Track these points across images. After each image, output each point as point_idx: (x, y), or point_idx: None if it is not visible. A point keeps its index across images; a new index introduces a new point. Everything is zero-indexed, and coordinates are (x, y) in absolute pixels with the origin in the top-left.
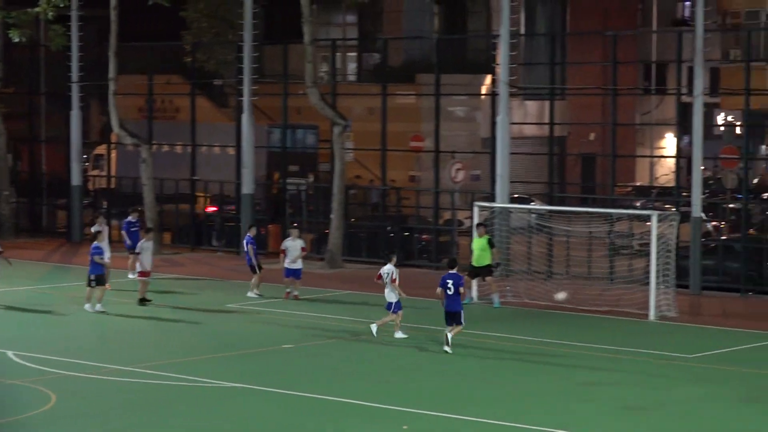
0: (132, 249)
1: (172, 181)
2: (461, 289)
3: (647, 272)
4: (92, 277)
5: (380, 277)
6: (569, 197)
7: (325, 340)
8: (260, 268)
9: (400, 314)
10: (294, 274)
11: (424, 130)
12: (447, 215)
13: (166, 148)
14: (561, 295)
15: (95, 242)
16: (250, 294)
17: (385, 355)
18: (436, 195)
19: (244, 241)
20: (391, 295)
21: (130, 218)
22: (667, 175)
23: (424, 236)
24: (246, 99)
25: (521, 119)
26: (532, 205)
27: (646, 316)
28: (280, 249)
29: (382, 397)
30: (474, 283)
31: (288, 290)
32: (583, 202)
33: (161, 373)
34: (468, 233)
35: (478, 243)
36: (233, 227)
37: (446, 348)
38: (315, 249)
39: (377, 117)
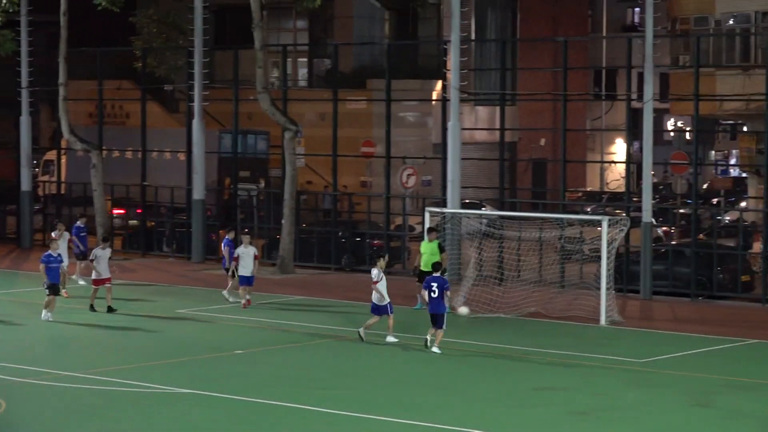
0: (82, 255)
1: (123, 186)
2: (447, 293)
3: (598, 277)
4: (47, 284)
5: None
6: (520, 202)
7: (276, 346)
8: (236, 273)
9: (391, 317)
10: (248, 281)
11: (375, 136)
12: (398, 221)
13: (116, 154)
14: (464, 309)
15: (49, 251)
16: (225, 294)
17: (336, 360)
18: (387, 200)
19: (222, 244)
20: (380, 298)
21: (78, 223)
22: (617, 180)
23: (375, 241)
24: (197, 104)
25: (472, 125)
26: (484, 211)
27: (597, 320)
28: (234, 257)
29: (329, 402)
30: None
31: (248, 298)
32: (534, 207)
33: (113, 380)
34: (419, 238)
35: (428, 247)
36: (183, 233)
37: (435, 349)
38: (266, 254)
39: (328, 122)
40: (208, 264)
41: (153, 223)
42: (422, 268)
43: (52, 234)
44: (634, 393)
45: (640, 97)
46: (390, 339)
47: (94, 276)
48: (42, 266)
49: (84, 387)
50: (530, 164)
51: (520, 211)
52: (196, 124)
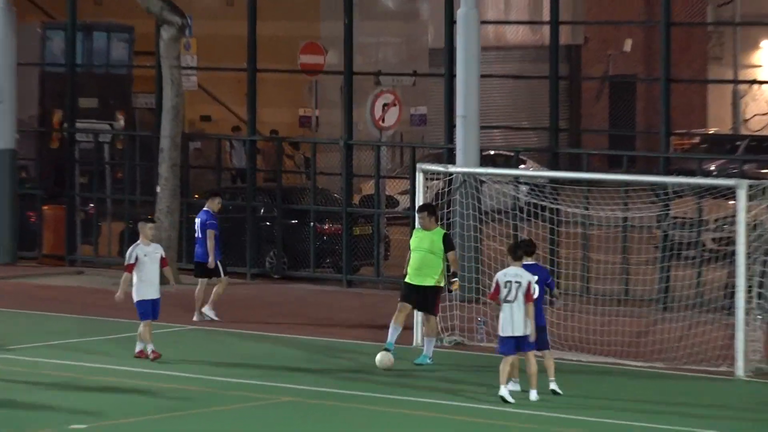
0: None
1: None
2: (555, 292)
3: (730, 292)
4: None
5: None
6: (588, 155)
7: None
8: (225, 270)
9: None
10: (152, 309)
11: (326, 36)
12: (367, 188)
13: None
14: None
15: None
16: (207, 311)
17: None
18: (346, 150)
19: (198, 221)
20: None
21: None
22: (764, 115)
23: (326, 227)
24: None
25: (500, 15)
26: (523, 170)
27: (731, 371)
28: (129, 262)
29: None
30: (419, 319)
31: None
32: (614, 165)
33: None
34: (405, 222)
35: (424, 240)
36: None
37: (555, 387)
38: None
39: (240, 11)
40: (25, 266)
41: None
42: (409, 280)
43: None
44: None
45: None
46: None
47: None
48: None
49: None
50: (606, 87)
51: (588, 170)
52: None
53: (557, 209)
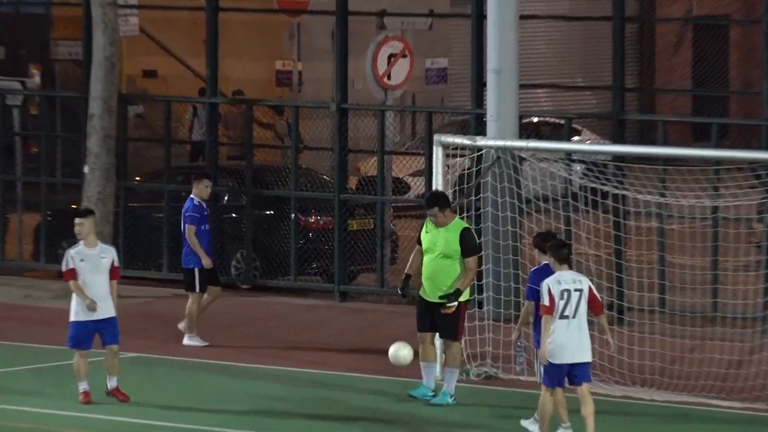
0: None
1: None
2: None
3: None
4: None
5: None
6: (664, 122)
7: None
8: (216, 279)
9: None
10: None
11: None
12: (367, 167)
13: None
14: (404, 351)
15: None
16: (188, 342)
17: None
18: (340, 117)
19: (183, 215)
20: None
21: None
22: None
23: (312, 220)
24: None
25: None
26: (577, 144)
27: None
28: (68, 267)
29: None
30: (437, 347)
31: (85, 388)
32: (699, 136)
33: None
34: (418, 213)
35: (437, 239)
36: None
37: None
38: (44, 252)
39: None
40: None
41: None
42: (422, 294)
43: None
44: None
45: None
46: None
47: None
48: None
49: None
50: (688, 31)
51: (666, 143)
52: None
53: (623, 196)
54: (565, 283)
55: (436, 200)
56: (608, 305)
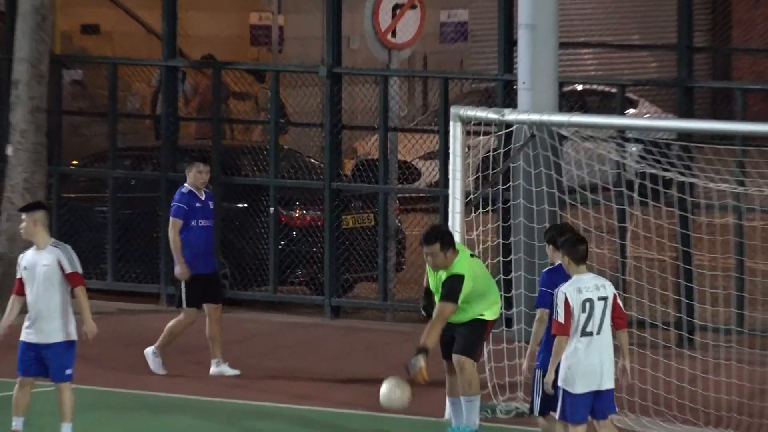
0: None
1: None
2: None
3: None
4: None
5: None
6: (743, 92)
7: None
8: (216, 295)
9: None
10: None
11: None
12: (366, 148)
13: None
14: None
15: None
16: (151, 356)
17: None
18: (332, 84)
19: (174, 205)
20: None
21: None
22: None
23: (296, 215)
24: None
25: None
26: (633, 118)
27: None
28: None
29: None
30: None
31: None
32: None
33: None
34: (430, 207)
35: (441, 287)
36: None
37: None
38: None
39: None
40: None
41: None
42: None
43: None
44: None
45: None
46: None
47: None
48: None
49: None
50: None
51: (745, 117)
52: None
53: (691, 185)
54: (587, 291)
55: (438, 236)
56: (675, 323)
